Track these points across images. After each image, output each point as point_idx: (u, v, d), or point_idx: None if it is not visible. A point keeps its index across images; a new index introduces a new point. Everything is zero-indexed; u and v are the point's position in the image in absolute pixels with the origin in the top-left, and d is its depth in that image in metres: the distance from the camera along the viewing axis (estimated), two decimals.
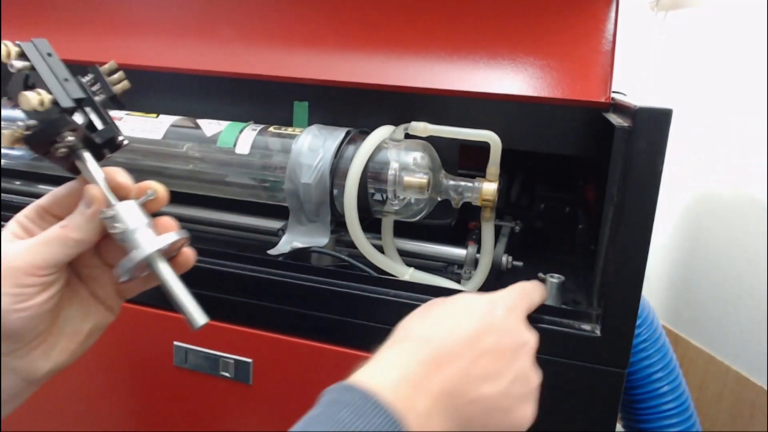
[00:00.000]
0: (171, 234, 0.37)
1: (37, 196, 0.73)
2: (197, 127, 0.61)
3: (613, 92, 0.56)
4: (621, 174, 0.47)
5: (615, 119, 0.50)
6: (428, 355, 0.35)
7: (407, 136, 0.56)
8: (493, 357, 0.36)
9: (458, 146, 0.60)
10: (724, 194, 1.16)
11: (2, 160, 0.69)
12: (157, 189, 0.38)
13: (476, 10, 0.61)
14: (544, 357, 0.50)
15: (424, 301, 0.52)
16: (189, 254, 0.40)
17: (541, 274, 0.56)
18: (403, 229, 0.60)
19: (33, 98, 0.35)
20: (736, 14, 1.14)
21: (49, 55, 0.38)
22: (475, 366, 0.35)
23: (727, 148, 1.15)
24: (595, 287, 0.51)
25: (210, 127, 0.61)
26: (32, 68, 0.37)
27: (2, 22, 0.73)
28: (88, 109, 0.38)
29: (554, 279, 0.55)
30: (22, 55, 0.37)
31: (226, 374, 0.57)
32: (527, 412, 0.37)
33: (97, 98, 0.39)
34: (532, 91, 0.56)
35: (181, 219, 0.48)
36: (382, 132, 0.55)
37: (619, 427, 0.75)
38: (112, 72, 0.41)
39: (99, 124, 0.39)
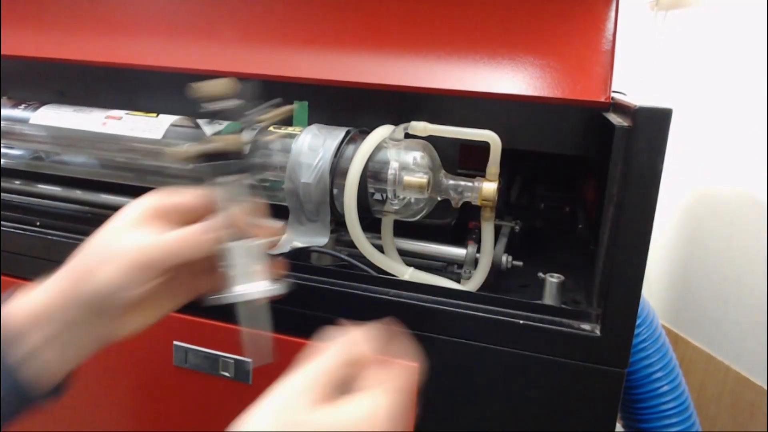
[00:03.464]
0: (263, 288, 0.40)
1: (37, 195, 0.74)
2: (197, 126, 0.61)
3: (613, 92, 0.56)
4: (621, 174, 0.47)
5: (615, 119, 0.50)
6: None
7: (407, 135, 0.56)
8: None
9: (458, 146, 0.60)
10: (724, 194, 1.16)
11: (2, 160, 0.69)
12: (271, 235, 0.42)
13: (476, 10, 0.61)
14: (544, 357, 0.50)
15: (424, 301, 0.52)
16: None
17: (541, 274, 0.56)
18: (403, 229, 0.60)
19: (219, 144, 0.39)
20: (736, 14, 1.14)
21: (253, 99, 0.42)
22: None
23: (727, 148, 1.15)
24: (595, 287, 0.51)
25: (210, 126, 0.61)
26: (237, 108, 0.40)
27: (2, 22, 0.73)
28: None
29: (554, 278, 0.55)
30: (233, 96, 0.40)
31: (226, 374, 0.57)
32: None
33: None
34: (532, 91, 0.56)
35: None
36: (382, 131, 0.55)
37: (619, 427, 0.75)
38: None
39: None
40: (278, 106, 0.44)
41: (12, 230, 0.63)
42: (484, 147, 0.54)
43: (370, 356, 0.36)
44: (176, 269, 0.41)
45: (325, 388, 0.34)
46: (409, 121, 0.55)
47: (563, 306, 0.53)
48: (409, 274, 0.57)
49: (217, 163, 0.39)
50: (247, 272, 0.40)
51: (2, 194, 0.74)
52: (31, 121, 0.66)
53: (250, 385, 0.57)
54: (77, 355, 0.40)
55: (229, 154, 0.39)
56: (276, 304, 0.55)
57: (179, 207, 0.41)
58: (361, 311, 0.53)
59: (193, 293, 0.44)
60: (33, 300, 0.39)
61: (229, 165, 0.39)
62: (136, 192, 0.70)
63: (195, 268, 0.43)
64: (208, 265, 0.43)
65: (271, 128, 0.60)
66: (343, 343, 0.36)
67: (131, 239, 0.39)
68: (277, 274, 0.42)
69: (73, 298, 0.38)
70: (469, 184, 0.55)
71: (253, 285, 0.40)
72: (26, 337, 0.38)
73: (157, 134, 0.61)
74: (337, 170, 0.55)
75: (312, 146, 0.56)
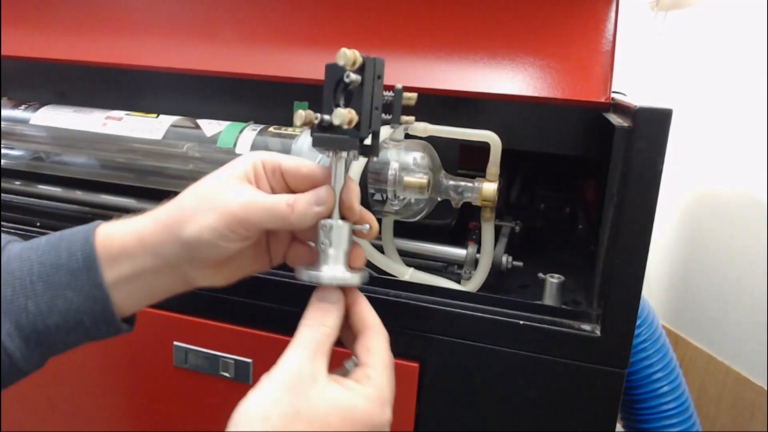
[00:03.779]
0: (353, 276, 0.40)
1: (37, 196, 0.74)
2: (197, 127, 0.61)
3: (613, 92, 0.56)
4: (621, 174, 0.47)
5: (615, 119, 0.50)
6: None
7: (407, 136, 0.56)
8: None
9: (458, 146, 0.59)
10: (724, 194, 1.16)
11: (2, 160, 0.69)
12: (374, 227, 0.41)
13: (476, 10, 0.61)
14: (544, 357, 0.50)
15: (424, 301, 0.52)
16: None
17: (541, 275, 0.56)
18: (403, 229, 0.60)
19: (346, 116, 0.37)
20: (736, 14, 1.14)
21: (379, 77, 0.40)
22: None
23: (727, 148, 1.15)
24: (595, 287, 0.51)
25: (210, 127, 0.61)
26: (360, 85, 0.38)
27: (2, 22, 0.73)
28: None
29: (554, 279, 0.55)
30: (360, 70, 0.38)
31: (226, 374, 0.57)
32: None
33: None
34: (532, 91, 0.56)
35: None
36: (382, 132, 0.55)
37: (619, 427, 0.75)
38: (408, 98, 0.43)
39: (369, 140, 0.41)
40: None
41: (12, 230, 0.63)
42: (484, 147, 0.54)
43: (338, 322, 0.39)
44: (272, 233, 0.42)
45: (325, 359, 0.37)
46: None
47: (563, 306, 0.53)
48: (409, 274, 0.57)
49: (340, 137, 0.38)
50: (340, 255, 0.40)
51: (2, 194, 0.74)
52: (31, 122, 0.66)
53: (250, 385, 0.57)
54: (156, 292, 0.41)
55: (347, 131, 0.38)
56: (275, 303, 0.55)
57: (290, 171, 0.40)
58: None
59: (275, 261, 0.44)
60: (129, 230, 0.39)
61: (348, 141, 0.38)
62: (136, 192, 0.70)
63: (287, 236, 0.43)
64: (298, 237, 0.43)
65: (271, 128, 0.60)
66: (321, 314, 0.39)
67: (236, 194, 0.38)
68: (360, 264, 0.42)
69: (169, 238, 0.38)
70: (469, 184, 0.55)
71: (344, 269, 0.40)
72: (119, 264, 0.38)
73: (158, 135, 0.61)
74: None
75: (312, 146, 0.56)
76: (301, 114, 0.37)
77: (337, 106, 0.39)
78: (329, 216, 0.39)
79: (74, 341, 0.39)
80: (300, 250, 0.44)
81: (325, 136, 0.38)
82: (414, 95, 0.43)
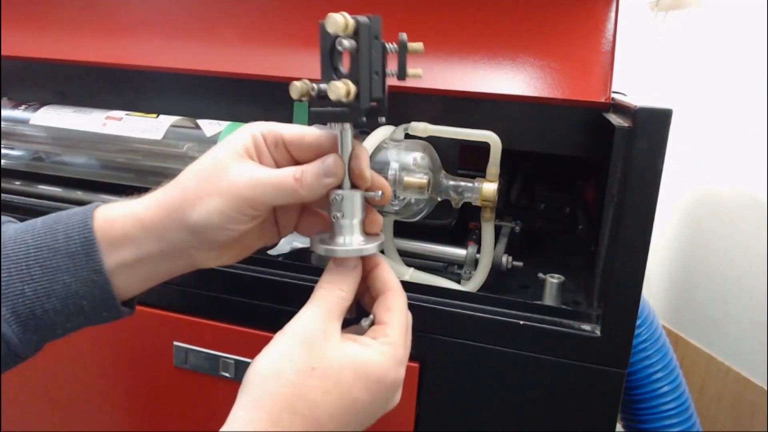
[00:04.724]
0: (370, 246, 0.39)
1: (37, 196, 0.74)
2: (197, 127, 0.61)
3: (613, 92, 0.56)
4: (621, 174, 0.47)
5: (615, 119, 0.50)
6: None
7: (407, 136, 0.56)
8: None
9: (458, 146, 0.59)
10: (724, 194, 1.16)
11: (2, 160, 0.69)
12: (386, 192, 0.40)
13: (476, 10, 0.61)
14: (544, 357, 0.50)
15: (424, 301, 0.52)
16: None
17: (541, 275, 0.56)
18: (403, 229, 0.60)
19: (341, 89, 0.35)
20: (736, 14, 1.14)
21: (376, 38, 0.36)
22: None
23: (727, 148, 1.15)
24: (595, 287, 0.51)
25: (210, 127, 0.61)
26: (356, 51, 0.36)
27: (2, 22, 0.73)
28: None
29: (554, 279, 0.55)
30: (354, 34, 0.35)
31: (226, 374, 0.57)
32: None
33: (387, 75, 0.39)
34: (532, 91, 0.56)
35: None
36: (382, 132, 0.55)
37: (619, 427, 0.75)
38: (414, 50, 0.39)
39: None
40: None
41: None
42: (484, 147, 0.54)
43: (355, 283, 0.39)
44: (280, 206, 0.40)
45: (339, 321, 0.37)
46: (409, 121, 0.55)
47: (563, 306, 0.53)
48: (409, 274, 0.57)
49: (339, 110, 0.36)
50: (355, 224, 0.39)
51: (2, 194, 0.74)
52: (31, 122, 0.66)
53: None
54: (159, 275, 0.40)
55: (347, 103, 0.36)
56: (275, 303, 0.55)
57: (293, 141, 0.38)
58: (361, 311, 0.53)
59: (285, 232, 0.43)
60: (131, 214, 0.38)
61: (348, 114, 0.36)
62: (136, 193, 0.70)
63: (296, 207, 0.42)
64: (308, 206, 0.42)
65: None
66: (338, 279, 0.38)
67: (241, 172, 0.37)
68: (377, 230, 0.40)
69: (174, 222, 0.37)
70: (470, 184, 0.55)
71: (360, 239, 0.39)
72: (121, 249, 0.37)
73: (157, 135, 0.61)
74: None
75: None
76: (296, 86, 0.35)
77: (335, 74, 0.37)
78: (340, 185, 0.38)
79: (73, 326, 0.38)
80: (312, 220, 0.42)
81: (324, 111, 0.36)
82: (420, 45, 0.39)
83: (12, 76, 0.74)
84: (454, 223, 0.63)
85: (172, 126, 0.62)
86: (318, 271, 0.54)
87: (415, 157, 0.54)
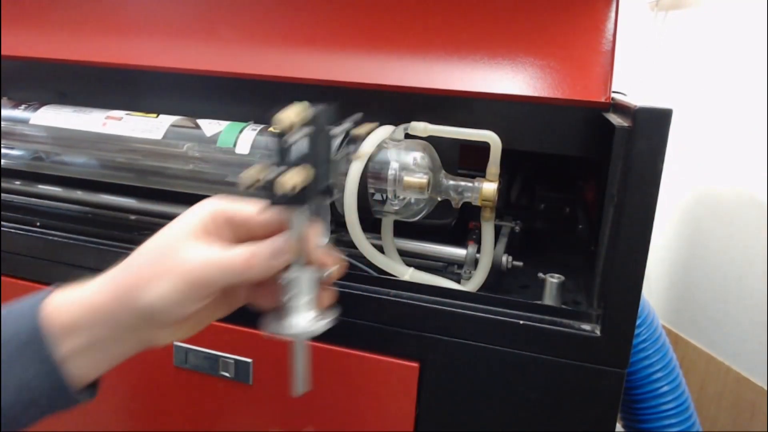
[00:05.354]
0: (322, 323, 0.39)
1: (37, 196, 0.74)
2: (197, 127, 0.61)
3: (613, 92, 0.56)
4: (621, 174, 0.47)
5: (615, 119, 0.50)
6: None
7: (407, 136, 0.56)
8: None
9: (458, 146, 0.60)
10: (724, 194, 1.16)
11: (2, 160, 0.69)
12: (337, 270, 0.40)
13: (476, 10, 0.61)
14: (544, 357, 0.50)
15: (424, 301, 0.52)
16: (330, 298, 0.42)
17: (541, 275, 0.56)
18: (403, 229, 0.60)
19: (287, 184, 0.35)
20: (736, 14, 1.14)
21: (326, 128, 0.38)
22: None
23: (727, 148, 1.15)
24: (595, 287, 0.51)
25: (210, 127, 0.61)
26: (309, 142, 0.37)
27: (2, 22, 0.73)
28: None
29: (554, 279, 0.55)
30: (307, 124, 0.37)
31: (226, 374, 0.57)
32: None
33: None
34: (532, 91, 0.56)
35: None
36: (382, 132, 0.55)
37: (619, 427, 0.75)
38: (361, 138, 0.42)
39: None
40: (358, 122, 0.41)
41: (12, 231, 0.63)
42: (484, 147, 0.54)
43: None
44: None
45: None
46: (409, 121, 0.55)
47: (563, 306, 0.53)
48: (409, 274, 0.57)
49: (292, 200, 0.37)
50: (307, 302, 0.39)
51: (2, 194, 0.74)
52: (31, 122, 0.66)
53: (250, 385, 0.57)
54: (114, 358, 0.40)
55: (305, 187, 0.36)
56: None
57: (245, 221, 0.39)
58: (361, 311, 0.53)
59: (237, 305, 0.43)
60: (81, 299, 0.38)
61: (304, 196, 0.37)
62: (136, 192, 0.70)
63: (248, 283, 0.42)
64: (261, 281, 0.41)
65: (271, 128, 0.60)
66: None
67: (191, 254, 0.37)
68: (330, 304, 0.41)
69: (124, 306, 0.37)
70: (469, 184, 0.55)
71: (310, 316, 0.39)
72: (72, 336, 0.37)
73: (158, 135, 0.61)
74: (337, 171, 0.55)
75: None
76: (249, 174, 0.36)
77: (285, 166, 0.37)
78: (294, 263, 0.38)
79: (33, 416, 0.38)
80: (262, 293, 0.42)
81: (272, 201, 0.37)
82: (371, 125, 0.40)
83: (12, 76, 0.74)
84: (454, 222, 0.64)
85: (172, 126, 0.62)
86: None
87: (415, 156, 0.54)
